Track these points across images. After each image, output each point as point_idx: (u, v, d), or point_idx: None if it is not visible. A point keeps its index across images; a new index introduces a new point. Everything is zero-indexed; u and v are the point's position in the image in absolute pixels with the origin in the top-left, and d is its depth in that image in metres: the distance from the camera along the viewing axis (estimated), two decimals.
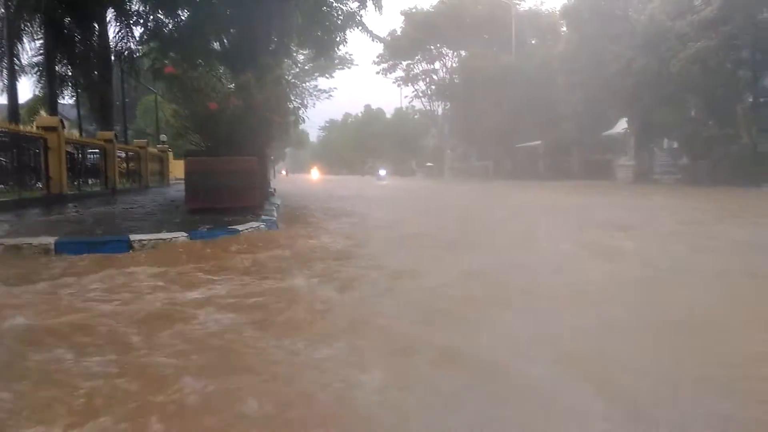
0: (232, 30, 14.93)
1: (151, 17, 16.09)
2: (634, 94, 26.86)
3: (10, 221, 7.75)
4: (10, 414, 2.07)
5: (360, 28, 17.98)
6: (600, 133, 33.24)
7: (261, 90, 9.30)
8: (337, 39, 17.84)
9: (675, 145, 30.29)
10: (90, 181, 15.51)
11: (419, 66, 55.25)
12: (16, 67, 19.62)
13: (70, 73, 20.22)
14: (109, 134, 16.69)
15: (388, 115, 77.46)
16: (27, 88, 76.20)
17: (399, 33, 51.57)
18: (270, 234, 7.36)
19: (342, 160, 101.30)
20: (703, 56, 21.78)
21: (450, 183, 36.40)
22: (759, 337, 3.06)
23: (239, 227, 7.12)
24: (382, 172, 48.71)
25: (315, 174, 79.91)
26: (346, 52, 42.95)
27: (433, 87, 55.41)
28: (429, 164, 61.49)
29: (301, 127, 56.88)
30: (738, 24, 21.12)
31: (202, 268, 4.92)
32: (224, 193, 9.03)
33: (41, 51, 19.99)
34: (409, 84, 57.24)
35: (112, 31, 18.55)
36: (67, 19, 18.94)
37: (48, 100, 19.60)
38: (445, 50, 52.70)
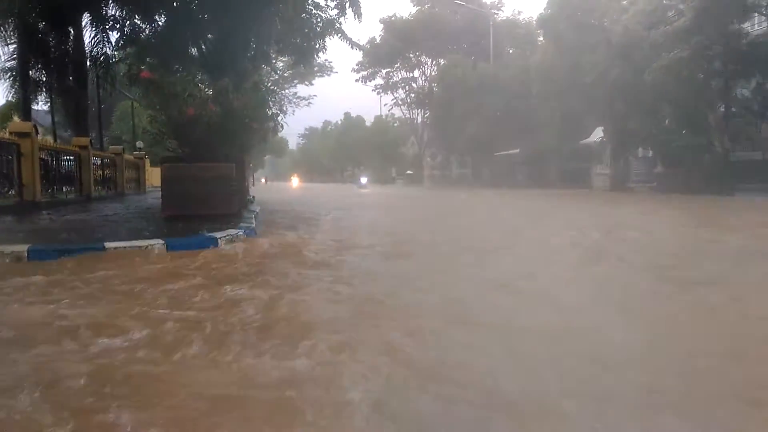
0: (210, 36, 14.84)
1: (128, 22, 15.91)
2: (609, 104, 27.25)
3: None
4: None
5: (339, 35, 17.98)
6: (577, 141, 33.62)
7: (239, 96, 9.24)
8: (317, 46, 17.81)
9: (650, 153, 30.77)
10: (64, 189, 15.23)
11: (398, 74, 55.56)
12: None
13: (44, 78, 19.89)
14: (84, 140, 16.43)
15: (368, 123, 77.52)
16: (0, 94, 74.76)
17: (378, 41, 51.77)
18: (248, 242, 7.29)
19: (322, 167, 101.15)
20: (676, 66, 22.17)
21: (429, 191, 36.54)
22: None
23: (217, 234, 7.05)
24: (364, 180, 48.26)
25: (295, 182, 79.66)
26: (325, 60, 43.05)
27: (413, 95, 55.69)
28: (409, 172, 61.65)
29: (281, 134, 56.70)
30: (710, 35, 21.54)
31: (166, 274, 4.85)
32: (201, 200, 8.94)
33: (14, 56, 19.66)
34: (389, 92, 57.51)
35: (88, 36, 18.30)
36: (41, 24, 18.66)
37: (21, 105, 19.28)
38: (424, 58, 53.04)
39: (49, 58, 18.92)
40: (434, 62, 52.01)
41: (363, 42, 43.50)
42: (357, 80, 56.42)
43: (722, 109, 24.24)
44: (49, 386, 2.36)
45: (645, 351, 2.95)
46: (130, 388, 2.37)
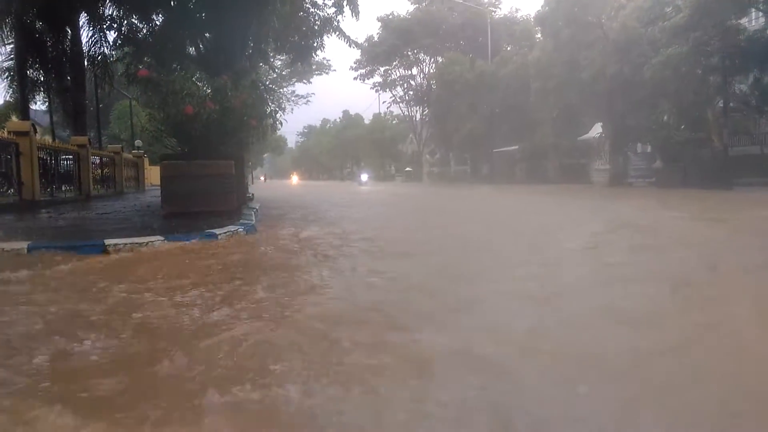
0: (207, 34, 14.83)
1: (125, 22, 15.91)
2: (607, 100, 27.28)
3: None
4: None
5: (337, 33, 17.99)
6: (575, 137, 33.66)
7: (237, 94, 9.26)
8: (315, 44, 17.82)
9: (648, 149, 30.80)
10: (63, 187, 15.27)
11: (397, 72, 55.59)
12: None
13: (42, 78, 19.90)
14: (82, 139, 16.45)
15: (367, 121, 77.64)
16: None
17: (376, 39, 51.81)
18: (248, 238, 7.31)
19: (321, 165, 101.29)
20: (674, 62, 22.19)
21: (428, 187, 36.55)
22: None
23: (217, 231, 7.07)
24: (364, 177, 48.11)
25: (295, 180, 79.83)
26: (323, 58, 43.22)
27: (411, 93, 55.74)
28: (408, 169, 61.76)
29: (280, 132, 56.80)
30: (708, 30, 21.55)
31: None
32: (201, 198, 8.96)
33: (12, 55, 19.66)
34: (387, 89, 57.58)
35: (86, 35, 18.31)
36: (39, 24, 18.67)
37: (19, 105, 19.28)
38: (422, 56, 53.07)
39: (46, 57, 18.93)
40: (432, 60, 52.06)
41: (361, 40, 43.53)
42: (355, 78, 56.54)
43: (720, 104, 24.26)
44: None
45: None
46: None
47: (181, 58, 15.16)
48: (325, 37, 18.00)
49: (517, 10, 49.38)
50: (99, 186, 18.04)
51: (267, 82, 27.54)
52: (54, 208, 11.80)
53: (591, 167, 31.85)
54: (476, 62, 41.89)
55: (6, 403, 2.10)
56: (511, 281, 4.64)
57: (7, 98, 25.26)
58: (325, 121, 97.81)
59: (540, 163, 37.26)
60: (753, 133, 25.55)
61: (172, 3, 14.70)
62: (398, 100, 57.70)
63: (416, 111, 57.32)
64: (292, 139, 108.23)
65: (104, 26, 17.35)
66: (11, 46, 19.40)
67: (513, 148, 40.40)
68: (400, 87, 56.52)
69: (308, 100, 49.04)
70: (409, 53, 52.55)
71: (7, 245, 5.75)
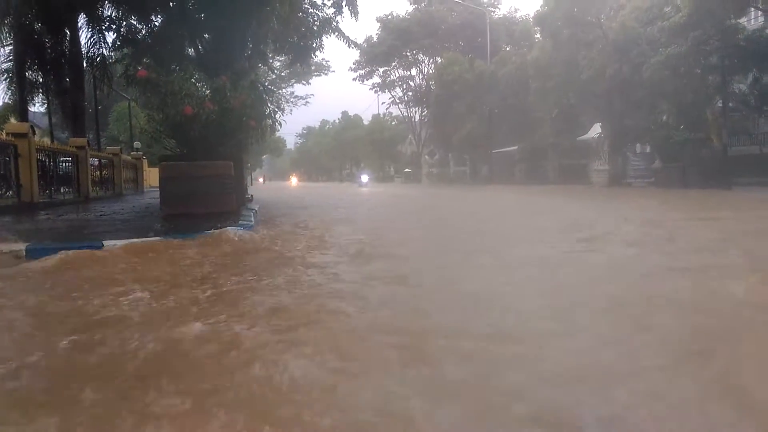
0: (206, 35, 14.82)
1: (124, 23, 15.91)
2: (607, 100, 27.29)
3: None
4: None
5: (336, 34, 17.98)
6: (575, 138, 33.65)
7: (236, 94, 9.23)
8: (314, 45, 17.81)
9: (648, 149, 30.81)
10: (62, 189, 15.24)
11: (396, 72, 55.62)
12: None
13: (41, 80, 19.87)
14: (81, 141, 16.43)
15: (366, 122, 77.65)
16: None
17: (375, 39, 51.82)
18: (248, 239, 7.28)
19: (320, 167, 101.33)
20: (673, 62, 22.20)
21: (428, 189, 36.53)
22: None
23: (216, 232, 7.04)
24: (365, 178, 47.63)
25: (294, 181, 79.96)
26: (322, 59, 43.21)
27: (410, 93, 55.77)
28: (407, 170, 61.79)
29: (278, 133, 56.80)
30: (707, 30, 21.56)
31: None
32: (200, 199, 8.93)
33: (11, 57, 19.63)
34: (386, 90, 57.59)
35: (84, 36, 18.27)
36: (37, 25, 18.64)
37: (18, 106, 19.25)
38: (421, 57, 53.08)
39: (45, 59, 18.90)
40: (431, 60, 52.07)
41: (360, 41, 43.49)
42: (354, 79, 56.61)
43: (720, 104, 24.26)
44: None
45: None
46: None
47: (180, 59, 15.13)
48: (324, 38, 18.02)
49: (516, 10, 49.61)
50: (98, 188, 18.01)
51: (266, 83, 27.54)
52: (53, 210, 11.77)
53: (590, 168, 31.84)
54: (475, 62, 41.91)
55: None
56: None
57: (6, 100, 25.27)
58: (324, 122, 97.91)
59: (539, 163, 37.25)
60: (752, 132, 25.57)
61: (171, 4, 14.69)
62: (397, 100, 57.77)
63: (415, 112, 57.39)
64: (291, 141, 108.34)
65: (103, 27, 17.32)
66: (10, 47, 19.37)
67: (512, 148, 40.39)
68: (399, 88, 56.60)
69: (307, 101, 49.16)
70: (408, 54, 52.56)
71: (5, 246, 5.72)
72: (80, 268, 4.99)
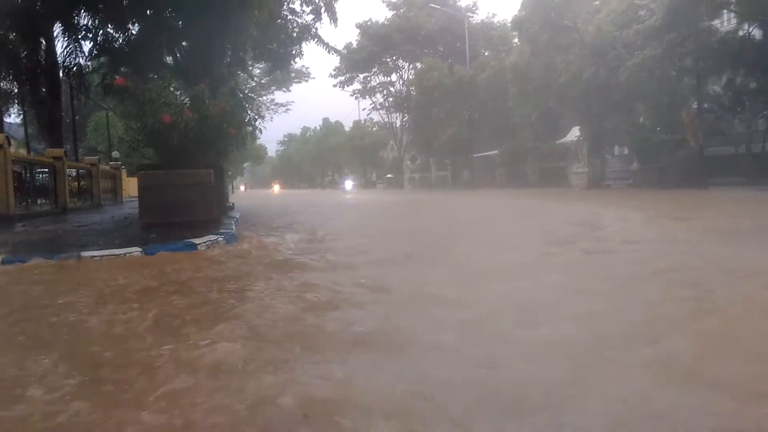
0: (185, 43, 14.74)
1: (101, 31, 15.72)
2: (584, 103, 27.61)
3: None
4: None
5: (316, 40, 18.02)
6: (554, 141, 33.97)
7: (216, 102, 9.18)
8: (293, 52, 17.83)
9: (626, 151, 31.19)
10: (39, 201, 15.02)
11: (376, 78, 55.64)
12: None
13: (16, 90, 19.60)
14: (58, 152, 16.20)
15: (347, 128, 77.60)
16: None
17: (355, 46, 51.82)
18: (229, 247, 7.23)
19: (302, 174, 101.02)
20: (649, 64, 22.54)
21: (410, 194, 36.59)
22: None
23: (196, 241, 6.98)
24: (348, 185, 46.83)
25: (276, 189, 79.44)
26: (302, 66, 43.12)
27: (391, 99, 55.83)
28: (389, 176, 61.82)
29: (260, 141, 56.61)
30: (681, 32, 21.92)
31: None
32: (180, 208, 8.85)
33: None
34: (367, 96, 57.56)
35: (60, 46, 18.02)
36: (12, 35, 18.38)
37: None
38: (401, 62, 53.21)
39: (20, 69, 18.65)
40: (411, 66, 52.22)
41: (340, 47, 43.47)
42: (335, 85, 56.43)
43: (695, 106, 24.68)
44: None
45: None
46: None
47: (159, 67, 15.02)
48: (303, 45, 18.04)
49: (494, 15, 49.94)
50: (76, 199, 17.75)
51: (246, 91, 27.43)
52: (30, 221, 11.58)
53: (570, 170, 32.14)
54: (455, 68, 42.15)
55: None
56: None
57: None
58: (305, 129, 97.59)
59: (520, 167, 37.54)
60: (727, 133, 26.02)
61: (148, 12, 14.57)
62: (378, 106, 57.81)
63: (396, 117, 57.46)
64: (272, 148, 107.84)
65: (79, 36, 17.06)
66: None
67: (493, 152, 40.66)
68: (380, 94, 56.63)
69: (288, 108, 48.96)
70: (388, 60, 52.66)
71: None
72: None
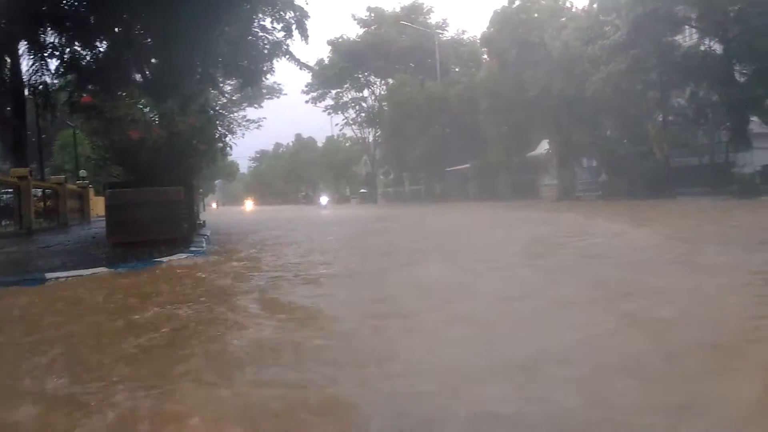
0: (153, 60, 14.60)
1: (68, 49, 15.50)
2: (553, 116, 28.07)
3: None
4: None
5: (287, 57, 18.01)
6: (524, 154, 34.43)
7: (185, 118, 9.09)
8: (264, 68, 17.78)
9: (594, 163, 31.75)
10: (3, 222, 14.63)
11: (348, 94, 55.85)
12: None
13: None
14: (23, 171, 15.79)
15: (320, 144, 77.50)
16: None
17: (327, 62, 52.01)
18: (198, 265, 7.12)
19: (275, 190, 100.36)
20: (614, 78, 23.02)
21: (384, 208, 36.61)
22: None
23: (165, 259, 6.87)
24: (324, 200, 45.55)
25: (249, 205, 78.62)
26: (274, 82, 42.98)
27: (363, 115, 56.06)
28: (363, 190, 61.84)
29: (231, 158, 56.15)
30: (646, 48, 22.46)
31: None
32: (149, 226, 8.69)
33: None
34: (339, 112, 57.68)
35: (26, 64, 17.70)
36: None
37: None
38: (372, 78, 53.55)
39: None
40: (383, 82, 52.59)
41: (312, 63, 43.57)
42: (307, 101, 56.46)
43: (660, 118, 25.27)
44: None
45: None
46: None
47: (127, 85, 14.83)
48: (275, 61, 18.00)
49: (463, 32, 50.54)
50: (42, 219, 17.31)
51: (217, 107, 27.27)
52: None
53: (540, 183, 32.56)
54: (426, 83, 42.57)
55: None
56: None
57: None
58: (277, 145, 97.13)
59: (491, 180, 37.90)
60: (692, 144, 26.67)
61: (116, 29, 14.43)
62: (351, 122, 57.94)
63: (369, 133, 57.64)
64: (244, 165, 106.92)
65: (45, 54, 16.79)
66: None
67: (465, 166, 41.02)
68: (352, 109, 56.80)
69: (260, 125, 48.68)
70: (360, 76, 52.96)
71: None
72: None
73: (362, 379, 2.60)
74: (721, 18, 20.88)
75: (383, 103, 50.86)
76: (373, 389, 2.47)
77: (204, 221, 16.85)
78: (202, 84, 15.59)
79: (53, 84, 17.73)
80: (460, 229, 13.40)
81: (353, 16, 51.20)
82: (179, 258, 7.07)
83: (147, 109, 9.88)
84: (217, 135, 10.73)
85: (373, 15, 50.64)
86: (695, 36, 24.77)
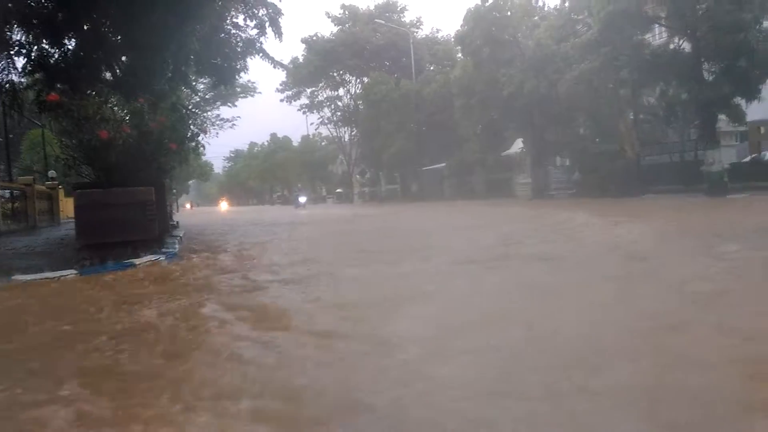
0: (124, 58, 14.34)
1: (35, 47, 15.13)
2: (527, 115, 28.28)
3: None
4: None
5: (261, 55, 17.82)
6: (499, 153, 34.63)
7: (155, 117, 8.94)
8: (238, 66, 17.57)
9: (567, 162, 32.10)
10: None
11: (323, 93, 55.52)
12: None
13: None
14: None
15: (295, 143, 77.02)
16: None
17: (301, 60, 51.69)
18: (170, 267, 7.03)
19: (250, 190, 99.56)
20: (586, 77, 23.27)
21: (360, 208, 36.54)
22: None
23: (136, 261, 6.77)
24: (302, 200, 43.63)
25: (224, 206, 77.62)
26: (248, 80, 42.55)
27: (339, 113, 55.80)
28: (339, 190, 61.64)
29: (205, 158, 55.49)
30: (617, 46, 22.74)
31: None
32: (120, 227, 8.53)
33: None
34: (315, 111, 57.34)
35: None
36: None
37: None
38: (348, 77, 53.32)
39: None
40: (358, 80, 52.41)
41: (286, 62, 43.20)
42: (282, 100, 56.01)
43: (631, 117, 25.62)
44: None
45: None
46: None
47: (97, 83, 14.54)
48: (249, 59, 17.81)
49: (438, 31, 50.65)
50: (9, 221, 16.94)
51: (190, 106, 26.90)
52: None
53: (515, 181, 32.81)
54: (401, 82, 42.60)
55: None
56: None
57: None
58: (252, 144, 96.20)
59: (467, 178, 38.11)
60: (662, 142, 27.13)
61: (84, 27, 14.14)
62: (326, 121, 57.61)
63: (345, 132, 57.43)
64: (219, 165, 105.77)
65: (12, 52, 16.37)
66: None
67: (441, 165, 41.16)
68: (328, 108, 56.48)
69: (234, 124, 47.98)
70: (335, 74, 52.70)
71: None
72: None
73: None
74: (690, 17, 21.23)
75: (358, 102, 50.74)
76: None
77: (177, 222, 16.65)
78: (173, 82, 15.34)
79: (21, 83, 17.30)
80: (422, 230, 13.25)
81: (327, 14, 50.97)
82: (150, 259, 6.97)
83: (117, 108, 9.71)
84: (189, 134, 10.58)
85: (347, 13, 50.46)
86: (665, 35, 25.17)
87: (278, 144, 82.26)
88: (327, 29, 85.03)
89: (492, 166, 35.40)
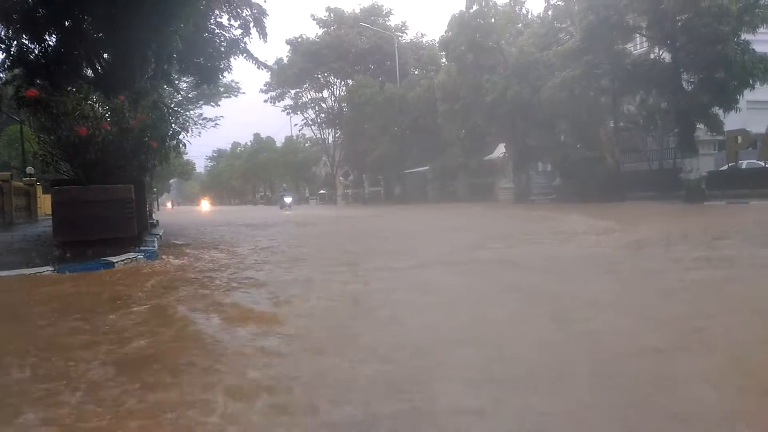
0: (105, 55, 14.23)
1: (15, 42, 14.97)
2: (510, 121, 28.52)
3: None
4: None
5: (245, 55, 17.79)
6: (482, 157, 34.88)
7: (136, 114, 8.89)
8: (221, 66, 17.52)
9: (548, 167, 32.44)
10: None
11: (308, 94, 55.43)
12: None
13: None
14: None
15: (279, 144, 76.72)
16: None
17: (286, 62, 51.55)
18: (148, 265, 6.99)
19: (232, 190, 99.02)
20: (568, 84, 23.55)
21: (344, 209, 36.49)
22: None
23: (114, 259, 6.72)
24: (288, 200, 42.15)
25: (206, 205, 76.87)
26: (232, 80, 42.31)
27: (323, 115, 55.74)
28: (322, 192, 61.54)
29: (187, 157, 55.12)
30: (598, 54, 23.07)
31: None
32: (98, 225, 8.46)
33: None
34: (299, 112, 57.19)
35: None
36: None
37: None
38: (332, 79, 53.30)
39: None
40: (343, 83, 52.43)
41: (270, 62, 43.05)
42: (266, 101, 55.79)
43: (612, 124, 25.98)
44: None
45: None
46: None
47: (77, 79, 14.40)
48: (232, 59, 17.77)
49: (422, 36, 50.87)
50: None
51: (172, 105, 26.72)
52: None
53: (497, 186, 33.06)
54: (385, 85, 42.71)
55: None
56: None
57: None
58: (235, 144, 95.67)
59: (450, 182, 38.32)
60: (642, 150, 27.54)
61: (66, 23, 14.01)
62: (310, 122, 57.50)
63: (328, 133, 57.37)
64: (201, 164, 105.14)
65: None
66: None
67: (424, 168, 41.33)
68: (312, 109, 56.39)
69: (217, 123, 47.67)
70: (320, 76, 52.64)
71: None
72: None
73: None
74: (670, 28, 21.59)
75: (343, 104, 50.74)
76: None
77: (157, 221, 16.54)
78: (155, 80, 15.25)
79: (0, 78, 17.08)
80: (400, 232, 13.33)
81: (312, 16, 50.91)
82: (128, 257, 6.93)
83: (97, 105, 9.62)
84: (170, 132, 10.50)
85: (332, 15, 50.46)
86: (645, 44, 25.58)
87: (261, 144, 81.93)
88: (312, 31, 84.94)
89: (475, 170, 35.63)
